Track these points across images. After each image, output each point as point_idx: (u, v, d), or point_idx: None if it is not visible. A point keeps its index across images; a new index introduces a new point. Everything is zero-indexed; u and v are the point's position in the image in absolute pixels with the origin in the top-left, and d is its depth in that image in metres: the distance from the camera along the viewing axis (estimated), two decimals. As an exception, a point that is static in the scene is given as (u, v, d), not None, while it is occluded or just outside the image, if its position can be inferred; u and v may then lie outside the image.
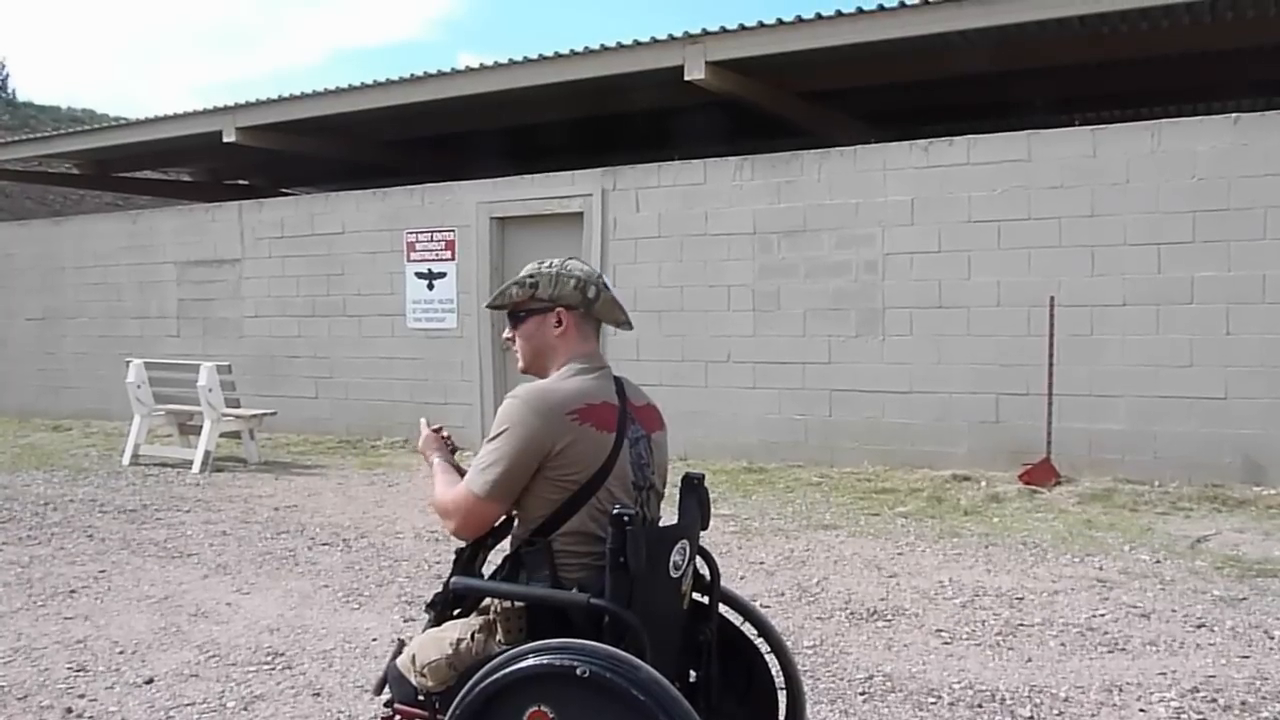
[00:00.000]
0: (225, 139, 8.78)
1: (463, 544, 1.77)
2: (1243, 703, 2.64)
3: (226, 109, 8.78)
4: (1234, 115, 5.40)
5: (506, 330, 1.80)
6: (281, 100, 8.50)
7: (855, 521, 4.86)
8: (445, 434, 1.92)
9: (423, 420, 1.97)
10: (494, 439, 1.63)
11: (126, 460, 6.95)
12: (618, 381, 1.73)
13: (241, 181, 12.96)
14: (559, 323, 1.72)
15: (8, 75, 22.94)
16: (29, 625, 3.45)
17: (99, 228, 9.78)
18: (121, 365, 7.44)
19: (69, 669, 3.03)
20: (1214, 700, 2.66)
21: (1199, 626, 3.24)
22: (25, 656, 3.14)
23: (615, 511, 1.55)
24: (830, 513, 5.06)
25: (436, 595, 1.79)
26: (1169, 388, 5.46)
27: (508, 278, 1.84)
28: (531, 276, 1.75)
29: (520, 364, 1.78)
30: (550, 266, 1.75)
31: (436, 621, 1.79)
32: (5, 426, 9.13)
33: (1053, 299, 5.65)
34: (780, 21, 6.35)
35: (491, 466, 1.61)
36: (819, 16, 6.22)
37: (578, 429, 1.60)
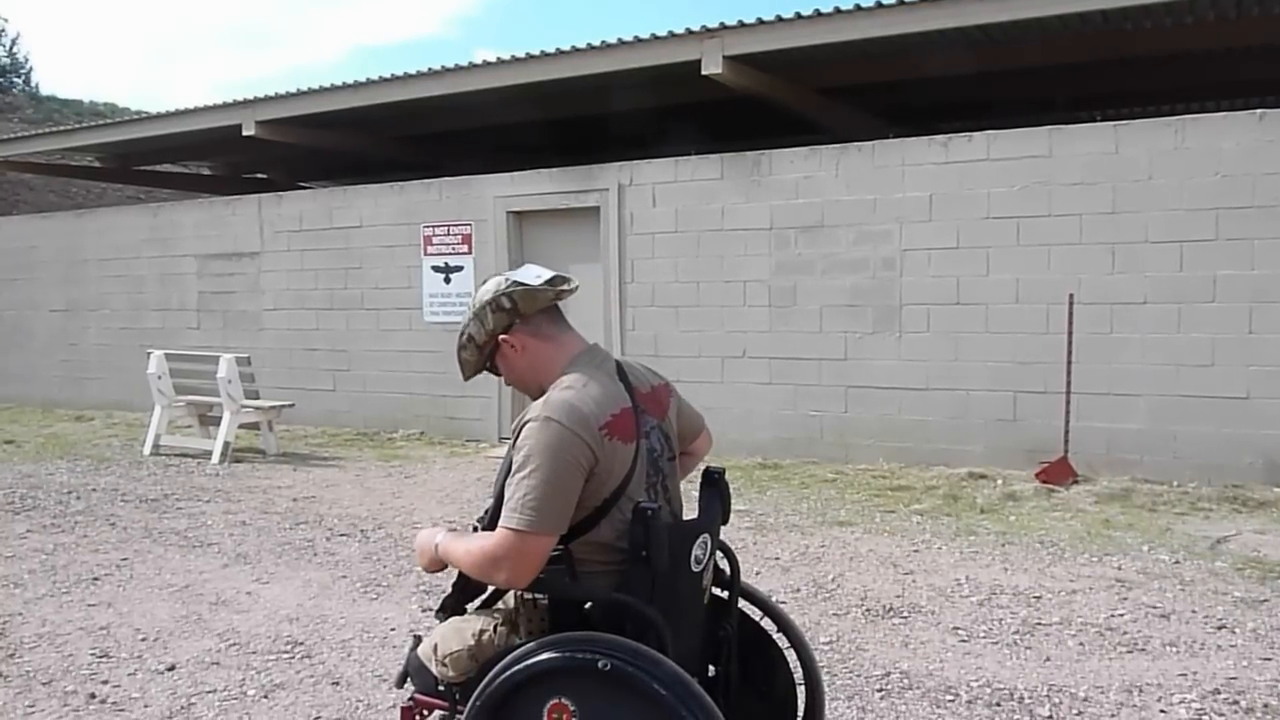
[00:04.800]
0: (245, 133, 8.84)
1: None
2: (1265, 705, 2.61)
3: (246, 103, 8.84)
4: (1259, 112, 5.32)
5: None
6: (300, 94, 8.54)
7: (871, 518, 4.85)
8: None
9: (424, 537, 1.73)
10: (528, 468, 1.49)
11: (147, 450, 7.04)
12: (619, 368, 1.68)
13: (260, 175, 13.05)
14: (514, 347, 1.67)
15: (32, 69, 23.31)
16: (53, 612, 3.51)
17: (121, 221, 9.89)
18: (143, 357, 7.53)
19: (92, 655, 3.08)
20: (1236, 702, 2.64)
21: (1220, 628, 3.21)
22: (50, 642, 3.20)
23: (639, 504, 1.54)
24: (845, 509, 5.05)
25: (445, 599, 1.78)
26: (1190, 387, 5.40)
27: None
28: (463, 333, 1.71)
29: (530, 398, 1.71)
30: (469, 311, 1.70)
31: (454, 613, 1.80)
32: (30, 416, 9.27)
33: (1072, 296, 5.59)
34: (799, 16, 6.30)
35: (537, 497, 1.47)
36: (838, 11, 6.17)
37: (609, 445, 1.55)
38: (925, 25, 5.96)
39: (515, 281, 1.67)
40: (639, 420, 1.62)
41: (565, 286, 1.69)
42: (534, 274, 1.68)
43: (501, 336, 1.67)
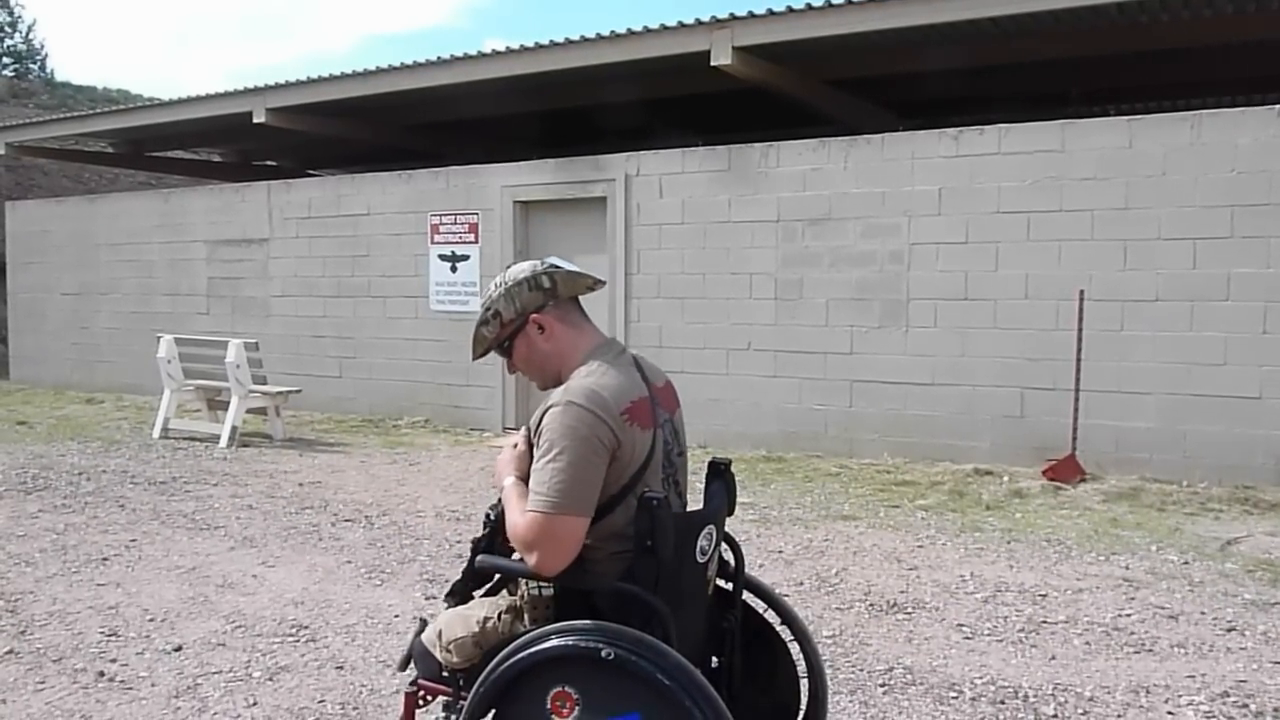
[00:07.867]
0: (255, 120, 8.85)
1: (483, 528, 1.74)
2: (1275, 709, 2.59)
3: (257, 90, 8.84)
4: (1277, 107, 5.25)
5: (506, 366, 1.75)
6: (310, 82, 8.54)
7: (875, 513, 4.84)
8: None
9: (512, 441, 1.74)
10: (552, 452, 1.51)
11: (157, 434, 7.09)
12: (635, 362, 1.70)
13: (270, 163, 13.07)
14: (541, 329, 1.67)
15: (47, 56, 23.44)
16: (64, 590, 3.55)
17: (132, 206, 9.93)
18: (153, 341, 7.58)
19: (101, 634, 3.11)
20: (1245, 705, 2.62)
21: (1229, 630, 3.18)
22: (60, 620, 3.23)
23: (645, 495, 1.54)
24: (849, 504, 5.04)
25: (455, 585, 1.79)
26: (1201, 386, 5.36)
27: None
28: (489, 309, 1.69)
29: (539, 386, 1.72)
30: (497, 288, 1.69)
31: (462, 599, 1.81)
32: (42, 398, 9.34)
33: (1082, 293, 5.55)
34: (809, 6, 6.25)
35: (562, 479, 1.49)
36: (849, 2, 6.12)
37: (629, 430, 1.55)
38: (937, 17, 5.90)
39: (554, 264, 1.69)
40: (655, 411, 1.63)
41: (600, 284, 1.74)
42: (563, 263, 1.72)
43: (533, 315, 1.67)
